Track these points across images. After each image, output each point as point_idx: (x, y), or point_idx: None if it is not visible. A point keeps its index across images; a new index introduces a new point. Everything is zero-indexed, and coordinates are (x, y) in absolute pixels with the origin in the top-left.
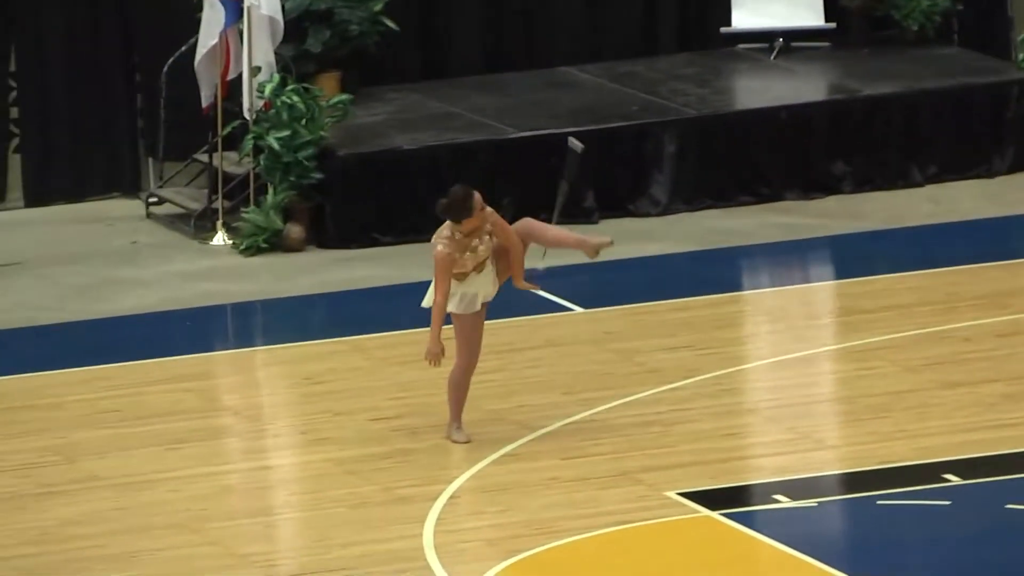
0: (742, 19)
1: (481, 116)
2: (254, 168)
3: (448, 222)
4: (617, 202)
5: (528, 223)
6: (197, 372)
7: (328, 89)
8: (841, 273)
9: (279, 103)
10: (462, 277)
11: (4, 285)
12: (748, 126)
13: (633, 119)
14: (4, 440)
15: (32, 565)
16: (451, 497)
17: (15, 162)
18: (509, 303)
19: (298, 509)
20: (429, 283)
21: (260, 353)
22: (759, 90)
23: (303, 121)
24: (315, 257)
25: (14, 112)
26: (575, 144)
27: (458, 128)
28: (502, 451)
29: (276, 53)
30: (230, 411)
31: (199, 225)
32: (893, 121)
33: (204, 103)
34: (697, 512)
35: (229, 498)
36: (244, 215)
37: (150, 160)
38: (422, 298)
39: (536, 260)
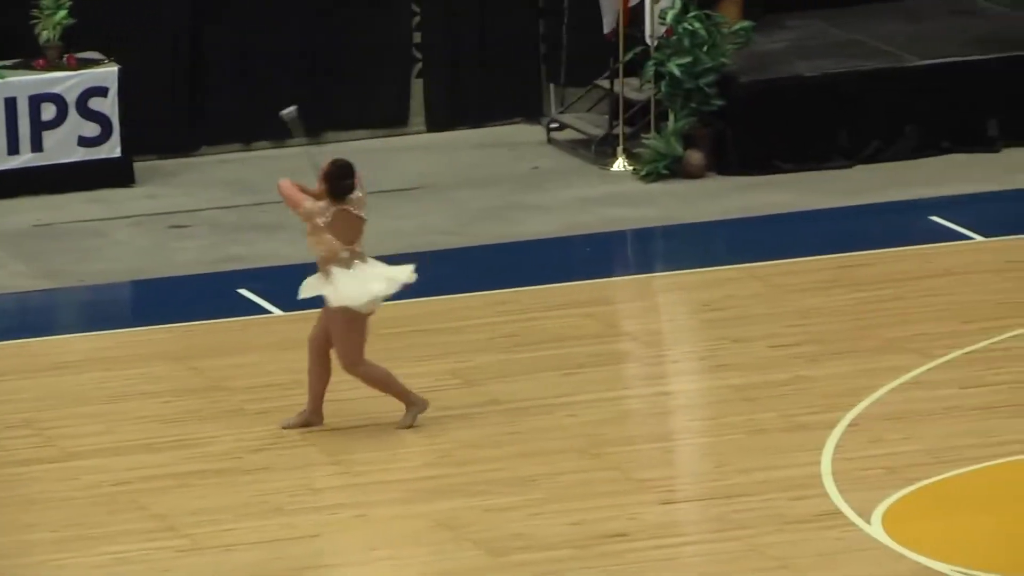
0: None
1: (884, 43)
2: (655, 94)
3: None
4: None
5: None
6: (597, 297)
7: (730, 16)
8: None
9: (681, 29)
10: (351, 261)
11: (407, 209)
12: None
13: None
14: (406, 363)
15: (432, 487)
16: (850, 424)
17: (417, 87)
18: (907, 231)
19: (696, 435)
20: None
21: (659, 279)
22: None
23: (705, 48)
24: (715, 183)
25: (417, 37)
26: (288, 113)
27: (860, 55)
28: (902, 379)
29: None
30: (629, 336)
31: (600, 151)
32: None
33: (606, 29)
34: None
35: (627, 423)
36: (645, 141)
37: (552, 86)
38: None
39: None
